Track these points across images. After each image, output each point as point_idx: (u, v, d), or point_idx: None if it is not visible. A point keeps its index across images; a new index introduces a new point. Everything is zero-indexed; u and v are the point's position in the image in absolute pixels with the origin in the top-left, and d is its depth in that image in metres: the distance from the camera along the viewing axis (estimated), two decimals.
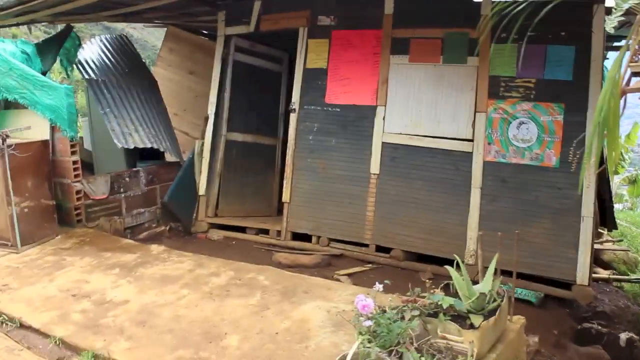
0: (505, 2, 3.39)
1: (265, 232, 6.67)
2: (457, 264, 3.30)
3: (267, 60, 7.48)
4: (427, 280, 3.58)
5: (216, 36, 7.16)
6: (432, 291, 3.22)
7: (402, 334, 2.78)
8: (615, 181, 15.94)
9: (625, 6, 2.47)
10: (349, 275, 5.52)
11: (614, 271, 7.03)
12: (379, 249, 5.99)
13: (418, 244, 5.78)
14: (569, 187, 5.09)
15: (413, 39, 5.80)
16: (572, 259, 5.10)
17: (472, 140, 5.50)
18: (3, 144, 5.18)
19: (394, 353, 2.71)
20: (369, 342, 2.75)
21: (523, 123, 5.34)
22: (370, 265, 5.90)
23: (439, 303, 3.09)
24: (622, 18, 2.55)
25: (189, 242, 6.49)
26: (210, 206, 6.96)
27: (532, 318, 4.72)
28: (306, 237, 6.41)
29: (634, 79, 2.66)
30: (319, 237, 6.32)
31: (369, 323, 2.78)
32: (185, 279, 4.71)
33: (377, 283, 3.09)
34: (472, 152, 5.50)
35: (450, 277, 3.28)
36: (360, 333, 2.79)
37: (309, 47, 6.41)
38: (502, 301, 3.20)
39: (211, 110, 6.99)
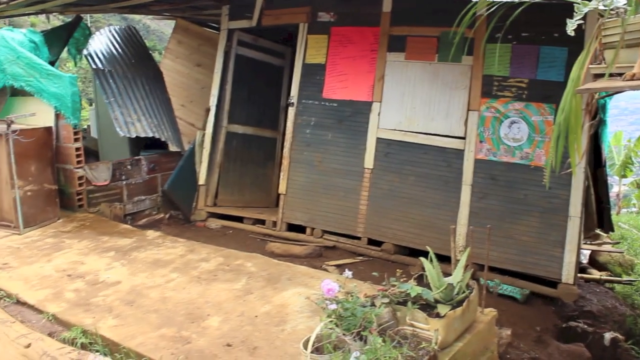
0: (494, 1, 3.48)
1: (262, 222, 6.81)
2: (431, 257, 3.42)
3: (269, 55, 7.62)
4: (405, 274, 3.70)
5: (220, 30, 7.30)
6: (402, 281, 3.34)
7: (367, 319, 2.91)
8: (624, 185, 15.91)
9: (585, 10, 2.57)
10: (337, 266, 5.64)
11: (609, 272, 7.09)
12: (371, 242, 6.10)
13: (409, 238, 5.88)
14: (558, 186, 5.17)
15: (410, 36, 5.90)
16: (558, 257, 5.17)
17: (464, 138, 5.59)
18: (8, 129, 5.38)
19: (357, 336, 2.85)
20: (335, 325, 2.89)
21: (514, 122, 5.42)
22: (361, 257, 6.01)
23: (408, 292, 3.21)
24: (582, 21, 2.65)
25: (187, 230, 6.66)
26: (209, 195, 7.12)
27: (515, 314, 4.86)
28: (301, 229, 6.54)
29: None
30: (312, 229, 6.44)
31: (334, 306, 2.91)
32: (176, 263, 4.88)
33: (346, 270, 3.22)
34: (463, 150, 5.59)
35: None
36: (327, 316, 2.92)
37: (308, 42, 6.54)
38: (470, 293, 3.32)
39: (213, 102, 7.14)
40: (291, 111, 6.60)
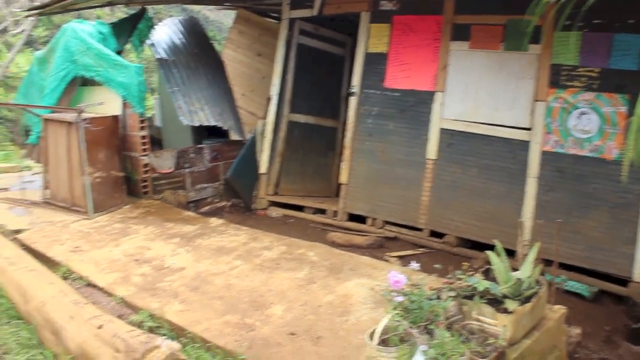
0: None
1: (323, 212, 6.83)
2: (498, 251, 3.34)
3: (330, 44, 7.60)
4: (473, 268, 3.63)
5: (281, 19, 7.33)
6: (468, 274, 3.28)
7: (434, 312, 2.88)
8: None
9: None
10: (399, 257, 5.60)
11: None
12: (433, 233, 6.03)
13: (472, 230, 5.78)
14: (632, 181, 4.94)
15: (474, 25, 5.76)
16: (629, 254, 4.96)
17: (530, 129, 5.43)
18: (78, 117, 5.56)
19: (423, 329, 2.81)
20: (402, 317, 2.86)
21: (584, 113, 5.22)
22: (422, 249, 5.96)
23: (476, 286, 3.15)
24: None
25: (248, 218, 6.74)
26: (270, 184, 7.18)
27: (583, 312, 4.70)
28: (361, 219, 6.53)
29: None
30: (374, 219, 6.42)
31: (401, 299, 2.88)
32: (240, 250, 4.94)
33: (412, 262, 3.18)
34: (529, 141, 5.43)
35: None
36: (394, 308, 2.90)
37: (370, 31, 6.48)
38: (540, 289, 3.23)
39: (274, 91, 7.18)
40: (353, 101, 6.57)
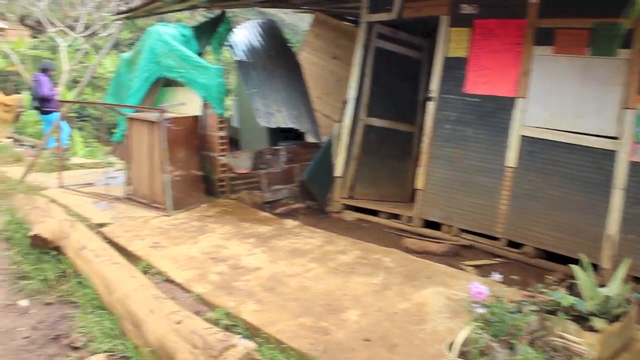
0: None
1: (397, 217, 6.76)
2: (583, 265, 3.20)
3: (408, 48, 7.52)
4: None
5: (359, 22, 7.30)
6: (552, 288, 3.15)
7: (516, 326, 2.78)
8: None
9: None
10: (475, 266, 5.47)
11: None
12: (510, 243, 5.85)
13: (551, 242, 5.57)
14: None
15: (558, 29, 5.54)
16: None
17: (617, 138, 5.17)
18: (161, 117, 5.72)
19: (505, 344, 2.72)
20: (482, 329, 2.78)
21: None
22: (499, 259, 5.79)
23: (559, 301, 3.02)
24: None
25: (322, 220, 6.75)
26: (345, 188, 7.17)
27: None
28: (436, 225, 6.42)
29: None
30: (449, 227, 6.30)
31: (482, 310, 2.80)
32: (314, 253, 4.95)
33: (495, 273, 3.09)
34: (616, 151, 5.17)
35: None
36: (474, 320, 2.82)
37: (449, 35, 6.36)
38: (630, 308, 3.06)
39: (351, 94, 7.16)
40: (430, 106, 6.46)
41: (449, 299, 4.04)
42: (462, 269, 5.20)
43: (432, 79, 6.52)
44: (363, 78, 7.17)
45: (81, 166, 9.65)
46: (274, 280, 4.35)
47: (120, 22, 8.45)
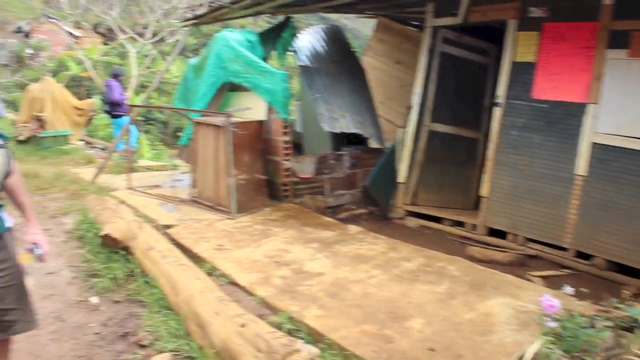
0: None
1: (460, 224, 6.62)
2: None
3: (473, 52, 7.36)
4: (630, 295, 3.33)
5: (423, 27, 7.21)
6: (630, 304, 3.00)
7: (590, 342, 2.66)
8: None
9: None
10: (543, 277, 5.28)
11: None
12: (579, 254, 5.62)
13: (624, 254, 5.31)
14: None
15: (634, 31, 5.30)
16: None
17: None
18: (227, 121, 5.80)
19: None
20: (553, 344, 2.67)
21: None
22: (567, 270, 5.57)
23: (636, 317, 2.87)
24: None
25: (384, 227, 6.68)
26: (408, 194, 7.08)
27: None
28: (501, 234, 6.24)
29: None
30: (514, 235, 6.11)
31: (553, 324, 2.69)
32: (378, 260, 4.89)
33: (566, 286, 2.97)
34: None
35: None
36: (544, 333, 2.71)
37: (517, 39, 6.18)
38: None
39: (415, 100, 7.06)
40: (497, 111, 6.30)
41: (517, 310, 3.92)
42: (529, 280, 5.03)
43: (498, 84, 6.36)
44: (428, 83, 7.06)
45: (148, 168, 9.94)
46: (337, 286, 4.32)
47: (187, 28, 8.64)
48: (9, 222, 2.73)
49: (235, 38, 6.85)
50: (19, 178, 2.79)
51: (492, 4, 6.44)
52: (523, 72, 6.10)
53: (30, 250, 2.77)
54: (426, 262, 4.85)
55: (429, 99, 7.05)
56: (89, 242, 5.59)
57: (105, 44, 22.35)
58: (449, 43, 7.11)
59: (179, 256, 4.67)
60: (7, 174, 2.48)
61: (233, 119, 5.91)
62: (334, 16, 23.28)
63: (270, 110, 6.51)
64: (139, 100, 14.86)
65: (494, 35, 7.12)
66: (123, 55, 24.10)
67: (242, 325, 3.40)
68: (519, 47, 6.18)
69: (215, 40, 7.10)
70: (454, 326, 3.70)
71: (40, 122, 12.45)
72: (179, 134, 20.92)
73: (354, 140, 7.72)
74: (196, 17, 7.81)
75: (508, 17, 6.27)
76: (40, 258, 2.78)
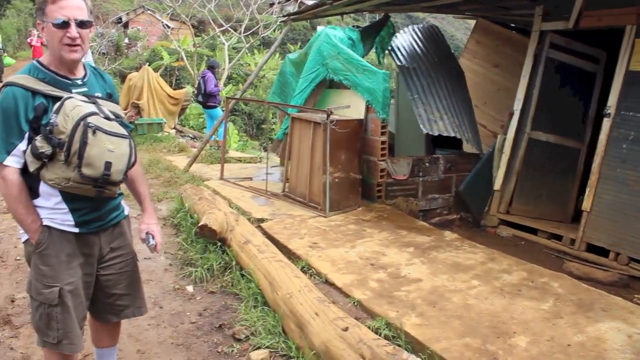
0: None
1: (557, 237, 6.35)
2: None
3: (582, 59, 7.00)
4: None
5: (526, 30, 6.94)
6: None
7: None
8: None
9: None
10: None
11: None
12: None
13: None
14: None
15: None
16: None
17: None
18: (327, 119, 5.78)
19: None
20: None
21: None
22: None
23: None
24: None
25: (477, 234, 6.50)
26: (503, 202, 6.85)
27: None
28: (602, 251, 5.93)
29: None
30: (617, 254, 5.80)
31: None
32: (477, 270, 4.74)
33: None
34: None
35: None
36: None
37: (635, 47, 5.84)
38: None
39: (517, 106, 6.82)
40: (606, 122, 5.98)
41: (630, 338, 3.68)
42: (637, 304, 4.75)
43: (610, 94, 6.03)
44: (531, 89, 6.80)
45: (238, 160, 10.10)
46: (435, 294, 4.21)
47: (284, 24, 8.69)
48: (126, 210, 2.80)
49: (337, 35, 6.82)
50: (139, 168, 2.84)
51: (608, 9, 6.11)
52: (639, 83, 5.76)
53: (144, 240, 2.81)
54: (528, 276, 4.65)
55: (531, 106, 6.78)
56: (184, 230, 5.71)
57: (197, 36, 23.02)
58: (556, 48, 6.81)
59: (275, 252, 4.68)
60: (132, 165, 2.52)
61: (333, 117, 5.88)
62: (420, 15, 23.02)
63: (368, 109, 6.44)
64: (224, 92, 15.16)
65: (601, 42, 6.77)
66: (213, 47, 24.74)
67: (345, 329, 3.34)
68: (635, 55, 5.84)
69: (316, 36, 7.10)
70: (562, 348, 3.51)
71: (137, 109, 12.91)
72: (263, 126, 21.34)
73: (444, 143, 7.55)
74: (296, 13, 7.85)
75: (626, 22, 5.93)
76: (153, 248, 2.82)
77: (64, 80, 2.42)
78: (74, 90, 2.42)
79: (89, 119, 2.29)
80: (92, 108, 2.36)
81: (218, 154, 9.56)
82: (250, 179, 7.83)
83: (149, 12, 28.18)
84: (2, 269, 5.02)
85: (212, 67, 11.11)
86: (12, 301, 4.34)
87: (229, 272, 4.78)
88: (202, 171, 8.55)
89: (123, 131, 2.45)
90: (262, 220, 5.86)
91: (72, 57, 2.38)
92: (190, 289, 4.67)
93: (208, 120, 11.59)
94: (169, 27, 24.04)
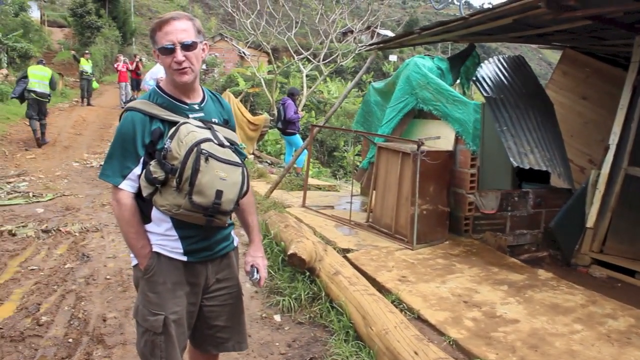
0: None
1: None
2: None
3: None
4: None
5: (615, 60, 6.66)
6: None
7: None
8: None
9: None
10: None
11: None
12: None
13: None
14: None
15: None
16: None
17: None
18: (418, 149, 5.70)
19: None
20: None
21: None
22: None
23: None
24: None
25: (568, 274, 6.20)
26: (596, 241, 6.53)
27: None
28: None
29: None
30: None
31: None
32: (578, 313, 4.50)
33: None
34: None
35: None
36: None
37: None
38: None
39: (613, 140, 6.52)
40: None
41: None
42: None
43: None
44: (628, 122, 6.50)
45: (317, 187, 10.11)
46: (535, 337, 4.02)
47: (371, 52, 8.70)
48: (235, 241, 2.78)
49: (427, 64, 6.77)
50: (252, 198, 2.81)
51: None
52: None
53: (248, 273, 2.74)
54: (636, 322, 4.37)
55: (628, 141, 6.48)
56: (270, 257, 5.69)
57: (270, 63, 23.50)
58: None
59: (367, 285, 4.60)
60: (244, 194, 2.49)
61: (423, 148, 5.79)
62: (492, 45, 22.73)
63: (458, 140, 6.32)
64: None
65: None
66: (286, 74, 25.16)
67: None
68: None
69: (405, 65, 7.07)
70: None
71: None
72: (335, 153, 21.41)
73: (531, 177, 7.28)
74: (382, 42, 7.85)
75: None
76: (257, 283, 2.76)
77: (181, 105, 2.44)
78: (190, 115, 2.43)
79: (202, 146, 2.26)
80: (206, 134, 2.34)
81: (297, 180, 9.60)
82: (332, 207, 7.81)
83: (226, 39, 29.06)
84: (93, 287, 5.14)
85: (292, 95, 11.23)
86: (104, 320, 4.43)
87: (318, 302, 4.72)
88: (282, 198, 8.59)
89: (236, 159, 2.41)
90: (347, 250, 5.80)
91: (183, 80, 2.38)
92: (277, 318, 4.64)
93: (287, 146, 11.70)
94: (245, 54, 24.62)
